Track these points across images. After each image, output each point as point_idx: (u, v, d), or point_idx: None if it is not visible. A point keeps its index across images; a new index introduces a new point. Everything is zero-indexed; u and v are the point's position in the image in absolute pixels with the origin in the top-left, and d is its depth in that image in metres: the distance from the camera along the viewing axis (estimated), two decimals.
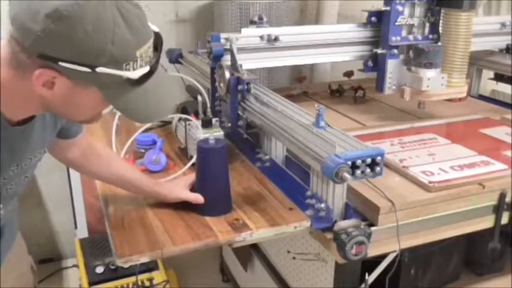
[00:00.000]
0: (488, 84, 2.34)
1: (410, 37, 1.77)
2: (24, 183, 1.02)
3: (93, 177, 1.32)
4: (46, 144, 1.03)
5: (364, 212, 1.20)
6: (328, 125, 1.21)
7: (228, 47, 1.59)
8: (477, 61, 2.08)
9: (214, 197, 1.20)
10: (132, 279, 1.94)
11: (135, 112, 0.86)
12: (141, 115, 0.88)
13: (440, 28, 1.77)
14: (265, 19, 1.91)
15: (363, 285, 1.26)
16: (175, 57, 2.04)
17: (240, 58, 1.58)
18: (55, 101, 0.82)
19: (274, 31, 1.73)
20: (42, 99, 0.81)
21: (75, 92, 0.80)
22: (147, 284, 1.97)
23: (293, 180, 1.37)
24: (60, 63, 0.75)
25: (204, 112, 1.54)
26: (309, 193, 1.24)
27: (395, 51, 1.78)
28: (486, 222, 1.33)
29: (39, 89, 0.79)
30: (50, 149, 1.09)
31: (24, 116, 0.89)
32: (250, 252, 1.89)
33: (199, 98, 1.57)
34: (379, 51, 1.79)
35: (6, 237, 1.12)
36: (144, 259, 1.04)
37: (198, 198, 1.19)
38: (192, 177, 1.26)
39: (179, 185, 1.24)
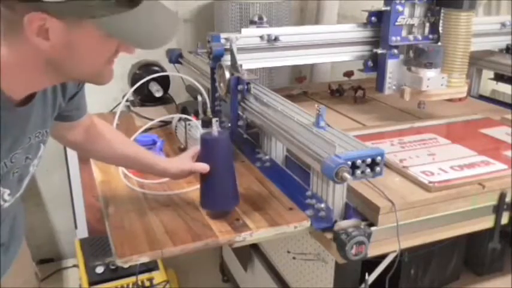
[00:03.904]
0: (488, 84, 2.34)
1: (410, 37, 1.77)
2: (27, 166, 0.98)
3: (98, 159, 1.30)
4: (47, 124, 1.00)
5: (364, 212, 1.20)
6: (328, 125, 1.21)
7: (228, 47, 1.59)
8: (477, 61, 2.08)
9: (223, 188, 1.18)
10: (132, 279, 1.95)
11: (136, 35, 0.82)
12: (142, 38, 0.83)
13: (440, 28, 1.77)
14: (265, 19, 1.91)
15: (363, 285, 1.26)
16: (175, 57, 2.04)
17: (240, 58, 1.57)
18: (56, 53, 0.79)
19: (274, 31, 1.73)
20: (43, 55, 0.79)
21: (72, 35, 0.78)
22: (147, 284, 1.97)
23: (293, 180, 1.37)
24: None
25: (204, 112, 1.54)
26: (309, 193, 1.24)
27: (395, 51, 1.77)
28: (486, 222, 1.33)
29: (35, 40, 0.76)
30: (51, 131, 1.05)
31: (28, 90, 0.87)
32: (250, 252, 1.89)
33: (199, 98, 1.57)
34: (379, 51, 1.79)
35: (13, 242, 1.11)
36: (144, 259, 1.04)
37: (203, 166, 1.16)
38: (192, 150, 1.25)
39: (182, 158, 1.25)
